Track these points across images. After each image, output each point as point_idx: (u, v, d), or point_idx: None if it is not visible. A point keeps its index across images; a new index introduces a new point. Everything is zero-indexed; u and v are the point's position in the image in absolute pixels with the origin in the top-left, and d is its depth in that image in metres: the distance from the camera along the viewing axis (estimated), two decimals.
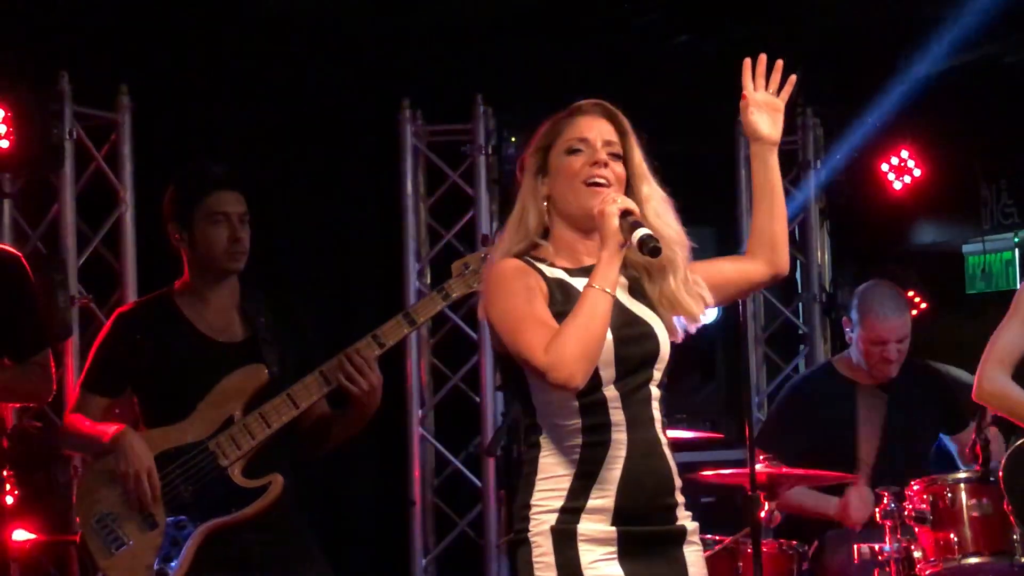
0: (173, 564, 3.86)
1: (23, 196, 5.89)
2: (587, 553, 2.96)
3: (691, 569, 3.06)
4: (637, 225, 2.98)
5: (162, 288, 4.16)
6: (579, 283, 3.04)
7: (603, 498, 2.98)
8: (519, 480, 3.09)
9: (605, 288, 2.95)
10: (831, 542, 5.00)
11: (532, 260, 3.08)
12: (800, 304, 6.99)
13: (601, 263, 2.97)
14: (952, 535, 4.43)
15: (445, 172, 6.58)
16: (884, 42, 6.75)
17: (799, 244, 6.95)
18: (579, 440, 3.00)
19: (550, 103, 6.53)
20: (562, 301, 3.02)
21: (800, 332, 6.99)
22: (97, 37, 5.97)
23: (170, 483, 3.91)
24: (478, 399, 6.48)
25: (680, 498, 3.08)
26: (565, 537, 2.97)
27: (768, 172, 3.22)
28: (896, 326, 5.09)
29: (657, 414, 3.06)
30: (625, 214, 2.98)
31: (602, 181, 3.06)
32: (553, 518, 2.98)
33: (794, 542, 4.86)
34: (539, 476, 3.02)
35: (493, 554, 6.40)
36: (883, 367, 5.11)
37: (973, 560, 4.42)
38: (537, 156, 3.13)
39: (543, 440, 3.03)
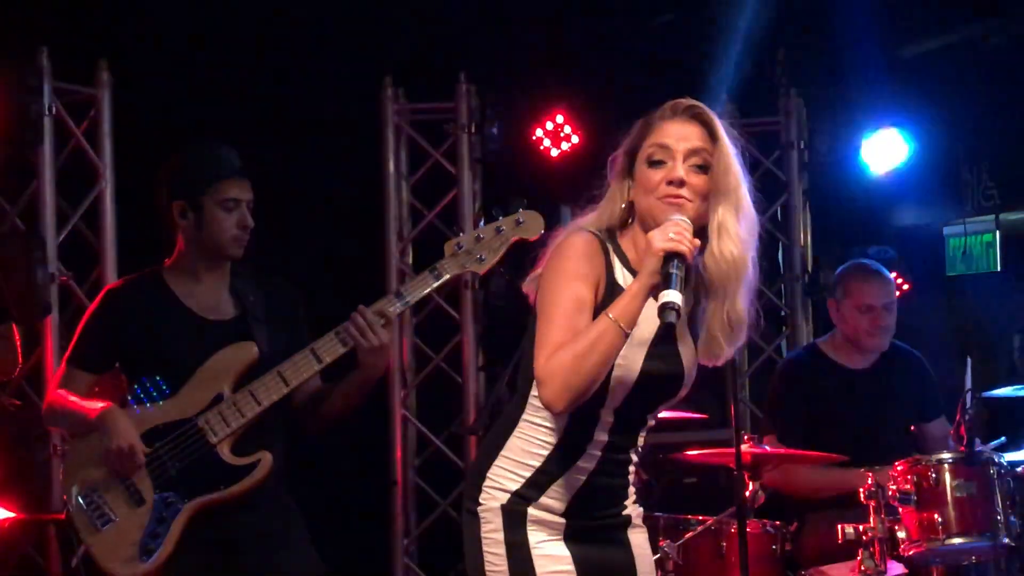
0: (159, 541, 3.84)
1: (1, 173, 5.83)
2: (535, 533, 2.97)
3: (636, 550, 3.08)
4: (668, 280, 2.82)
5: (148, 265, 4.13)
6: None
7: (557, 499, 2.99)
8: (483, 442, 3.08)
9: (620, 322, 2.83)
10: (814, 522, 5.00)
11: (612, 248, 2.99)
12: (782, 286, 6.99)
13: (628, 295, 2.86)
14: (936, 515, 4.44)
15: (428, 151, 6.55)
16: (868, 21, 6.74)
17: (781, 225, 6.95)
18: (556, 439, 2.97)
19: (533, 82, 6.54)
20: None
21: (782, 314, 6.98)
22: (77, 12, 5.91)
23: (158, 459, 3.89)
24: (460, 379, 6.46)
25: (630, 499, 3.08)
26: (515, 516, 2.97)
27: None
28: (882, 289, 5.14)
29: (640, 439, 3.04)
30: (670, 257, 2.84)
31: (677, 202, 2.93)
32: (505, 497, 2.98)
33: (777, 522, 4.86)
34: (503, 452, 3.00)
35: None
36: (874, 337, 5.12)
37: (957, 540, 4.44)
38: (625, 159, 3.02)
39: (523, 420, 3.00)
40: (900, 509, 4.48)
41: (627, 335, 2.85)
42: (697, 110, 2.99)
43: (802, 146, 6.81)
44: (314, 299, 4.27)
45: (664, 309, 2.81)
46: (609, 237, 3.00)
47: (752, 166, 6.73)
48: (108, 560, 3.87)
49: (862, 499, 4.51)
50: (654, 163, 2.96)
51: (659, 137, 2.97)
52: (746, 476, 4.59)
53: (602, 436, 2.97)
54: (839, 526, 4.53)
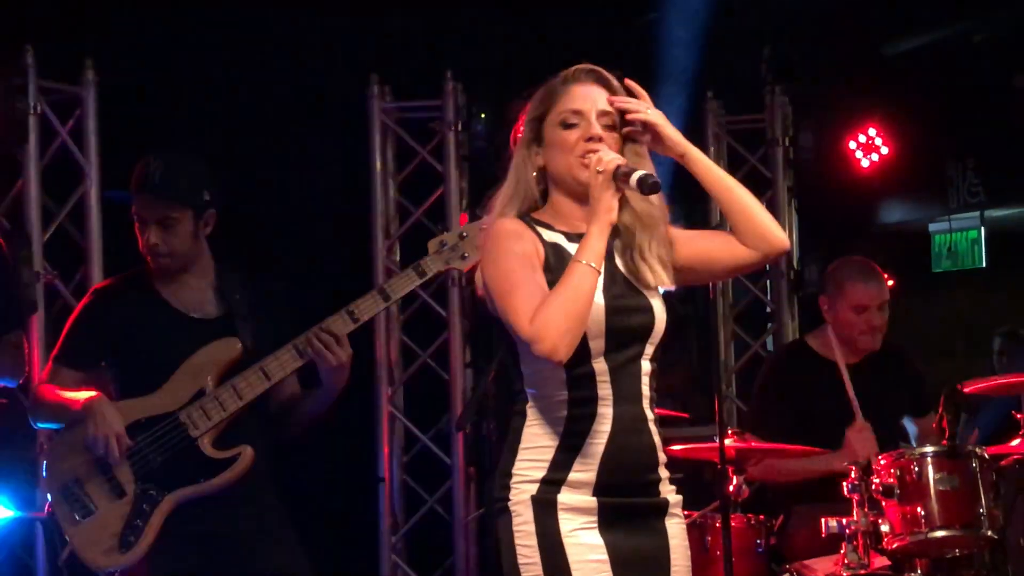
0: (139, 533, 3.86)
1: None
2: (567, 522, 2.96)
3: (672, 541, 3.06)
4: (631, 170, 2.97)
5: (134, 264, 4.16)
6: (575, 249, 3.01)
7: (585, 472, 2.98)
8: (500, 447, 3.07)
9: (591, 263, 2.93)
10: (798, 516, 5.02)
11: (531, 221, 3.07)
12: (768, 282, 7.01)
13: (590, 236, 2.96)
14: (919, 509, 4.44)
15: (414, 148, 6.56)
16: (852, 18, 6.76)
17: None
18: (564, 412, 2.99)
19: (520, 79, 6.55)
20: (556, 267, 3.00)
21: (768, 310, 7.00)
22: (62, 10, 5.91)
23: (140, 452, 3.91)
24: (447, 376, 6.47)
25: (664, 473, 3.08)
26: (546, 506, 2.97)
27: (704, 173, 3.15)
28: (876, 289, 5.14)
29: (647, 389, 3.05)
30: (617, 170, 2.97)
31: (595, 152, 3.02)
32: (534, 488, 2.98)
33: (761, 516, 4.87)
34: (522, 445, 3.01)
35: (462, 531, 6.40)
36: (867, 336, 5.12)
37: (940, 533, 4.43)
38: (531, 126, 3.09)
39: (529, 409, 3.02)
40: (883, 502, 4.49)
41: (599, 273, 2.95)
42: (597, 73, 3.10)
43: (787, 143, 6.82)
44: (301, 297, 4.29)
45: (643, 180, 2.94)
46: (526, 217, 3.08)
47: (737, 163, 6.89)
48: (88, 551, 3.89)
49: (845, 493, 4.53)
50: (568, 126, 3.05)
51: (569, 102, 3.06)
52: (730, 471, 4.61)
53: (605, 389, 2.98)
54: (823, 520, 4.54)
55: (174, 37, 6.16)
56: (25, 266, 5.61)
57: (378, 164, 6.53)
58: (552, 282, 2.97)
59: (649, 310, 3.05)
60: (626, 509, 3.00)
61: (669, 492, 3.07)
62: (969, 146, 7.36)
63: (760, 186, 6.89)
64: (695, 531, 4.70)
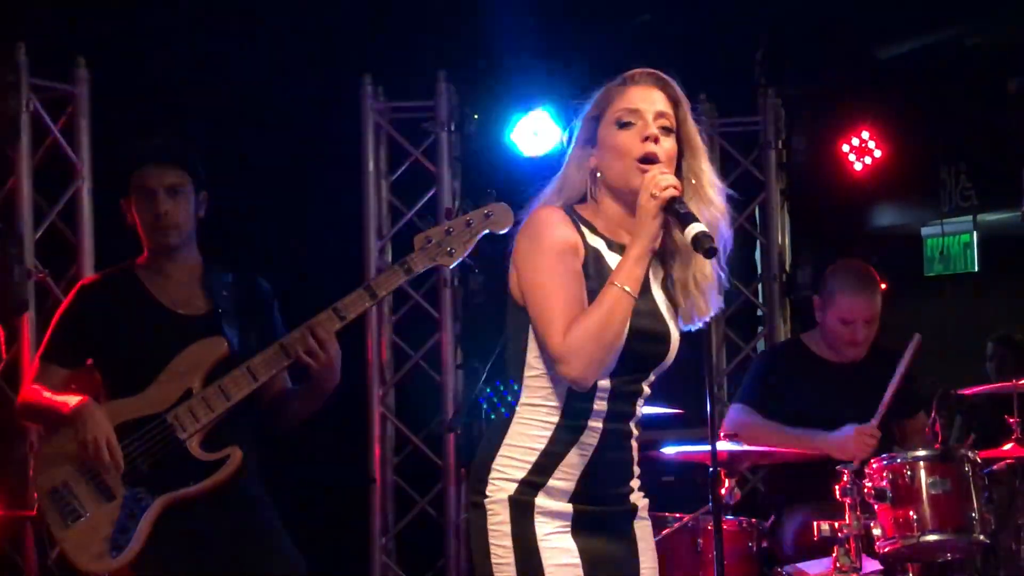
0: (129, 536, 3.84)
1: None
2: (542, 525, 2.97)
3: (641, 543, 3.09)
4: (689, 218, 2.89)
5: (123, 262, 4.13)
6: (614, 260, 2.99)
7: (565, 480, 2.98)
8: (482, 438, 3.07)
9: (625, 287, 2.89)
10: (790, 519, 5.01)
11: (576, 216, 3.02)
12: (760, 285, 7.01)
13: (629, 260, 2.92)
14: (911, 512, 4.45)
15: (407, 149, 6.55)
16: (845, 21, 6.76)
17: (759, 225, 6.97)
18: (556, 419, 2.98)
19: (512, 81, 6.55)
20: (594, 275, 2.96)
21: (759, 313, 7.00)
22: (54, 8, 5.90)
23: (128, 455, 3.88)
24: (439, 377, 6.46)
25: (636, 483, 3.09)
26: (522, 508, 2.96)
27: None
28: (865, 305, 5.11)
29: (638, 410, 3.05)
30: (672, 204, 2.90)
31: (653, 158, 2.97)
32: (512, 487, 2.97)
33: (754, 520, 4.87)
34: (506, 441, 3.00)
35: (453, 532, 6.39)
36: (850, 347, 5.13)
37: (932, 537, 4.44)
38: (587, 125, 3.05)
39: (520, 406, 3.01)
40: (875, 506, 4.49)
41: (635, 299, 2.91)
42: (657, 76, 3.06)
43: (780, 145, 6.83)
44: (292, 297, 4.27)
45: (700, 239, 2.87)
46: (569, 209, 3.04)
47: (730, 165, 6.89)
48: (78, 555, 3.86)
49: (838, 496, 4.52)
50: (624, 125, 3.00)
51: (626, 102, 3.01)
52: (722, 473, 4.60)
53: (601, 405, 2.98)
54: (815, 523, 4.53)
55: (166, 35, 6.14)
56: (15, 264, 5.60)
57: (371, 164, 6.52)
58: (588, 289, 2.93)
59: (667, 340, 3.03)
60: (599, 516, 3.02)
61: (637, 497, 3.09)
62: (962, 150, 7.36)
63: (753, 189, 6.90)
64: (687, 534, 4.70)
